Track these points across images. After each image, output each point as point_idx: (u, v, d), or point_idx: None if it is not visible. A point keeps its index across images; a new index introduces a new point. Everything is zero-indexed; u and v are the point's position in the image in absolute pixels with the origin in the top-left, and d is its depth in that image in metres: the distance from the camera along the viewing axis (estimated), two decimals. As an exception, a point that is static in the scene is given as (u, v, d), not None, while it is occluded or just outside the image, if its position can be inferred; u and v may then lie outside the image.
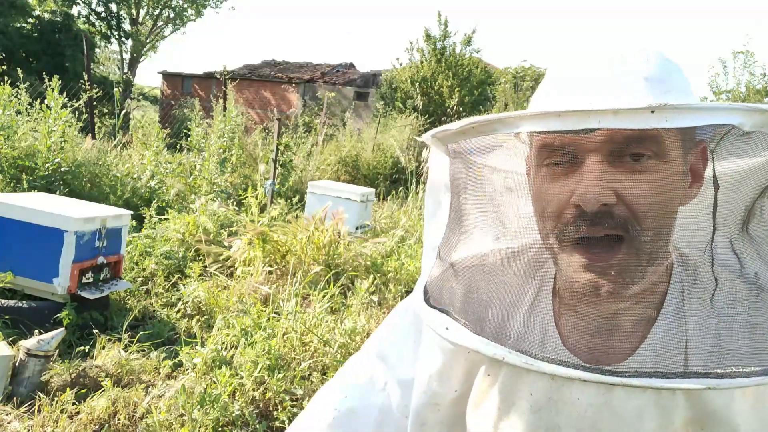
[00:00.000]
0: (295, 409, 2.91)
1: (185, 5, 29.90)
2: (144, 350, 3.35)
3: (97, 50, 28.49)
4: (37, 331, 3.04)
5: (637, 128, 0.54)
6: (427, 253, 0.77)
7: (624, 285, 0.65)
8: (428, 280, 0.75)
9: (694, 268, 0.71)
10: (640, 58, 0.67)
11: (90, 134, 7.90)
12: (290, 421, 2.80)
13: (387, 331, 0.89)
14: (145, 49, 29.55)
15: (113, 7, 28.70)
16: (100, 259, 3.71)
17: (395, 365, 0.84)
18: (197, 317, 3.87)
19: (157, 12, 29.72)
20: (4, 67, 9.21)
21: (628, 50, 0.68)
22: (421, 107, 14.78)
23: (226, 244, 5.14)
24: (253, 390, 2.99)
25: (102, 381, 2.83)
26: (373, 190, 7.44)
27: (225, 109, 8.65)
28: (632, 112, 0.54)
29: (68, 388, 2.78)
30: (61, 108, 6.12)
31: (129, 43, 29.20)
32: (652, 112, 0.53)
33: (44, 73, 6.82)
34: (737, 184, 0.67)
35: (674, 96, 0.65)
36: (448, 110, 16.90)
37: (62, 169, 5.93)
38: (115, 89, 10.26)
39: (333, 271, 4.77)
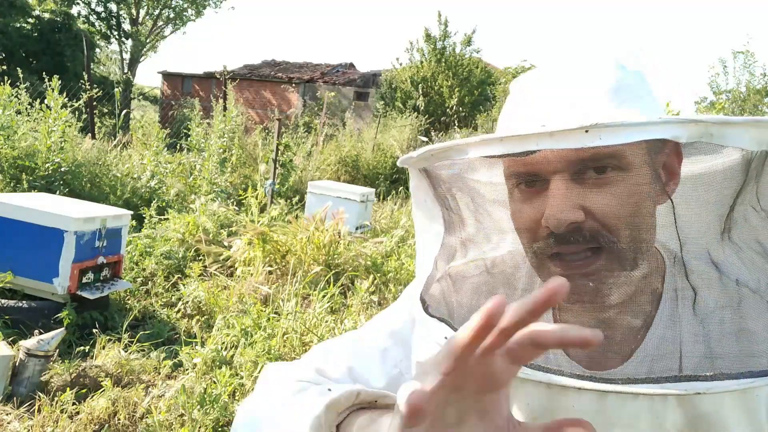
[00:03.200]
0: (295, 409, 2.92)
1: (185, 5, 29.92)
2: (144, 350, 3.36)
3: (97, 50, 28.51)
4: (37, 331, 3.04)
5: (573, 148, 0.56)
6: (420, 265, 0.78)
7: (606, 290, 0.65)
8: (424, 290, 0.76)
9: (683, 268, 0.71)
10: (597, 71, 0.68)
11: (90, 134, 7.90)
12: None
13: (401, 314, 0.86)
14: (145, 49, 29.57)
15: (113, 7, 28.74)
16: (100, 259, 3.71)
17: (410, 345, 0.82)
18: (197, 317, 3.87)
19: (157, 12, 29.74)
20: (4, 67, 9.21)
21: (586, 62, 0.70)
22: (422, 107, 14.80)
23: (226, 244, 5.15)
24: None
25: (102, 381, 2.83)
26: (373, 190, 7.44)
27: (225, 109, 8.66)
28: (567, 132, 0.55)
29: (68, 388, 2.78)
30: (61, 108, 6.13)
31: (129, 43, 29.22)
32: (586, 131, 0.54)
33: (44, 73, 6.82)
34: (699, 194, 0.67)
35: (630, 106, 0.66)
36: (448, 110, 16.91)
37: (62, 169, 5.94)
38: (116, 89, 10.26)
39: (333, 271, 4.77)
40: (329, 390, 0.67)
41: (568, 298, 0.67)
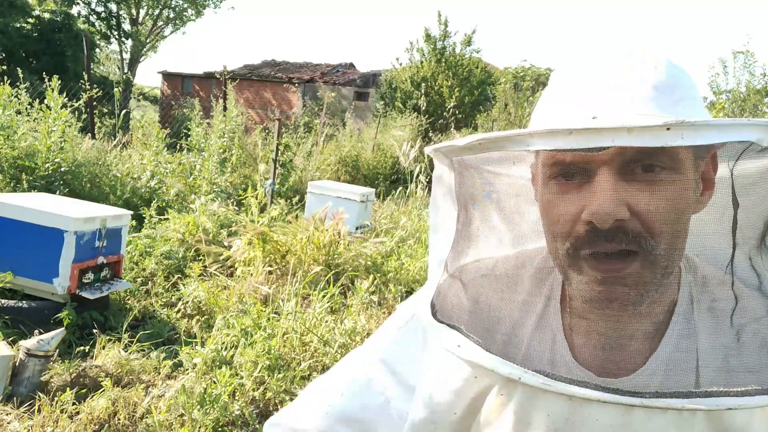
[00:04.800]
0: (295, 409, 2.91)
1: (185, 5, 29.92)
2: (144, 350, 3.35)
3: (97, 50, 28.50)
4: (37, 331, 3.04)
5: (652, 146, 0.53)
6: (433, 267, 0.75)
7: (638, 296, 0.63)
8: (435, 294, 0.73)
9: (703, 276, 0.69)
10: (648, 65, 0.64)
11: (90, 134, 7.90)
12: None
13: (392, 335, 0.87)
14: (145, 49, 29.56)
15: (113, 7, 28.74)
16: (100, 259, 3.71)
17: (400, 370, 0.81)
18: (197, 317, 3.87)
19: (157, 12, 29.74)
20: (4, 67, 9.20)
21: (634, 55, 0.66)
22: (424, 108, 14.80)
23: (226, 244, 5.14)
24: (253, 390, 2.99)
25: (102, 381, 2.83)
26: (373, 190, 7.44)
27: (225, 109, 8.65)
28: (647, 129, 0.52)
29: (68, 388, 2.78)
30: (61, 108, 6.12)
31: (129, 43, 29.22)
32: (668, 129, 0.51)
33: (44, 73, 6.82)
34: (755, 200, 0.65)
35: (685, 105, 0.63)
36: (451, 111, 16.89)
37: (62, 169, 5.93)
38: (116, 89, 10.26)
39: (333, 271, 4.77)
40: None
41: (597, 302, 0.65)
